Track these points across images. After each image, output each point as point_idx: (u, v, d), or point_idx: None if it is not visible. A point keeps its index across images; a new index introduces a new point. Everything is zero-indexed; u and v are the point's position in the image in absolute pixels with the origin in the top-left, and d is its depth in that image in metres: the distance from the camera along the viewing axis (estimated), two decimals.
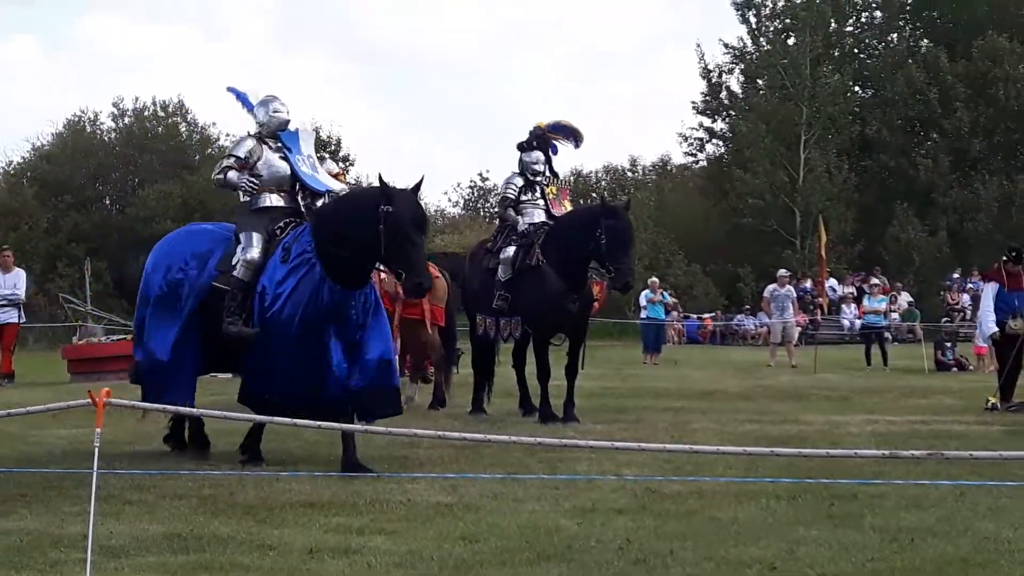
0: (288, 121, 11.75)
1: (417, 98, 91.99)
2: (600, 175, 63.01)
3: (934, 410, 16.48)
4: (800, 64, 51.65)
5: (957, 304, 34.53)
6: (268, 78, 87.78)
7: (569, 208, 15.75)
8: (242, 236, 10.98)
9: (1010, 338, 16.79)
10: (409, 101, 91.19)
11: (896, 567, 6.86)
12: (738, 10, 55.55)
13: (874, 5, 58.05)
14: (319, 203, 11.29)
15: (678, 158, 62.91)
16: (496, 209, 19.39)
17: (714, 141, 59.40)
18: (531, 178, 15.55)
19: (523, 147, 15.80)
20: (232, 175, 11.35)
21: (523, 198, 15.53)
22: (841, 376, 24.06)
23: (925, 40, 57.34)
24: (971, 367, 25.16)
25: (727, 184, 53.36)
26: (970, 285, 36.59)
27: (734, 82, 57.48)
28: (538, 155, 15.77)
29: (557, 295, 14.39)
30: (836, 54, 55.80)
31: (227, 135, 57.83)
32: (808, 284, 40.89)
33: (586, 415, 15.02)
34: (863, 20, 58.75)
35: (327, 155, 53.60)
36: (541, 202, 15.57)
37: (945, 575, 6.76)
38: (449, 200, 66.98)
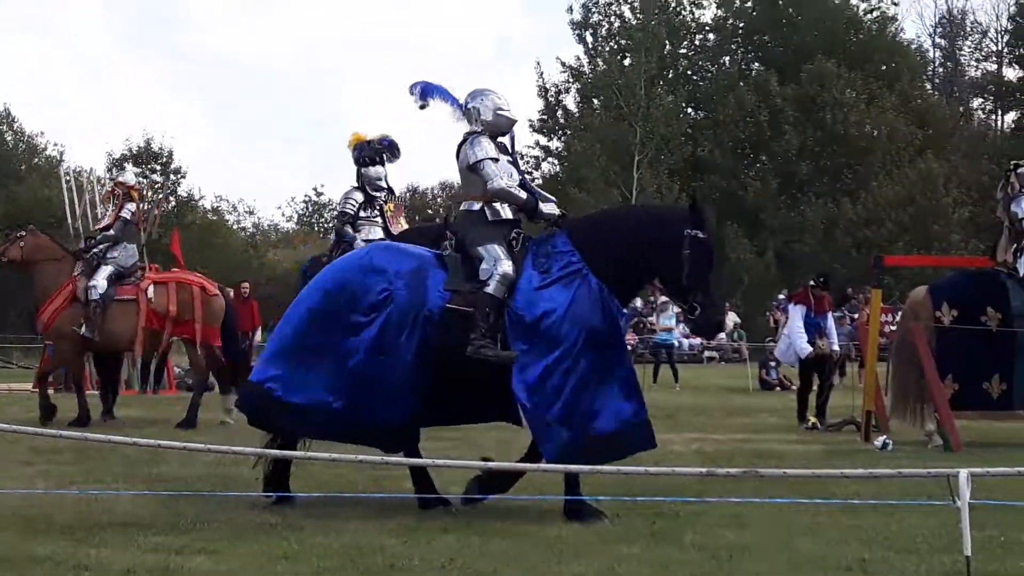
0: (515, 122, 10.25)
1: (253, 109, 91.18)
2: (436, 191, 63.14)
3: (757, 428, 16.81)
4: (635, 85, 52.37)
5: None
6: (101, 86, 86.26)
7: (405, 226, 15.68)
8: (482, 250, 9.47)
9: (819, 358, 17.43)
10: (245, 112, 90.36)
11: None
12: (575, 30, 56.19)
13: (707, 28, 59.18)
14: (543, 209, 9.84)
15: None
16: (333, 224, 19.10)
17: (550, 159, 59.97)
18: (371, 193, 15.41)
19: (364, 162, 15.64)
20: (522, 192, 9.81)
21: (362, 214, 15.38)
22: (669, 394, 24.38)
23: (756, 64, 58.59)
24: (793, 387, 25.71)
25: (562, 202, 53.62)
26: None
27: (570, 101, 58.12)
28: (380, 170, 15.58)
29: None
30: (670, 75, 56.76)
31: (55, 144, 56.80)
32: (638, 304, 41.31)
33: None
34: (697, 43, 59.82)
35: (158, 167, 52.94)
36: (379, 219, 15.46)
37: None
38: (283, 215, 66.49)
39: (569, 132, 57.00)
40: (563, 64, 57.35)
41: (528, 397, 9.06)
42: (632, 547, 7.81)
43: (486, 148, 9.76)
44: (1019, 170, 15.07)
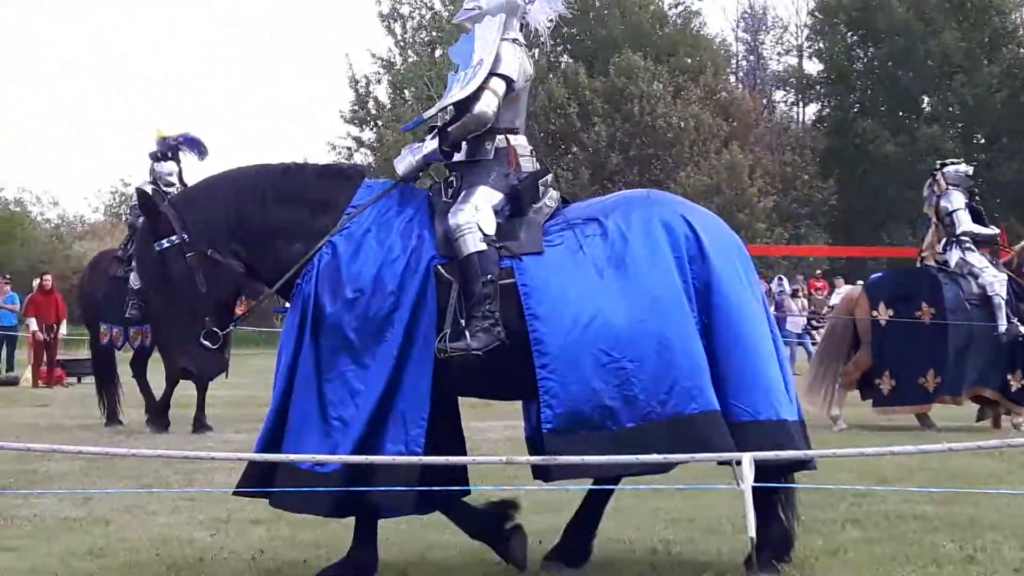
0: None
1: (59, 99, 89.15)
2: None
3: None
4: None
5: None
6: None
7: None
8: None
9: None
10: (51, 102, 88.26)
11: None
12: (384, 21, 56.01)
13: None
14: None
15: None
16: (129, 217, 18.96)
17: (363, 150, 59.79)
18: (163, 189, 15.36)
19: (156, 157, 15.81)
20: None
21: None
22: None
23: (566, 56, 59.10)
24: None
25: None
26: None
27: (382, 92, 58.01)
28: (172, 166, 15.79)
29: None
30: None
31: None
32: None
33: (228, 424, 14.98)
34: None
35: None
36: None
37: None
38: (89, 206, 65.10)
39: (381, 123, 56.80)
40: (373, 55, 57.31)
41: None
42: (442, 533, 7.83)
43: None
44: (945, 169, 16.03)
